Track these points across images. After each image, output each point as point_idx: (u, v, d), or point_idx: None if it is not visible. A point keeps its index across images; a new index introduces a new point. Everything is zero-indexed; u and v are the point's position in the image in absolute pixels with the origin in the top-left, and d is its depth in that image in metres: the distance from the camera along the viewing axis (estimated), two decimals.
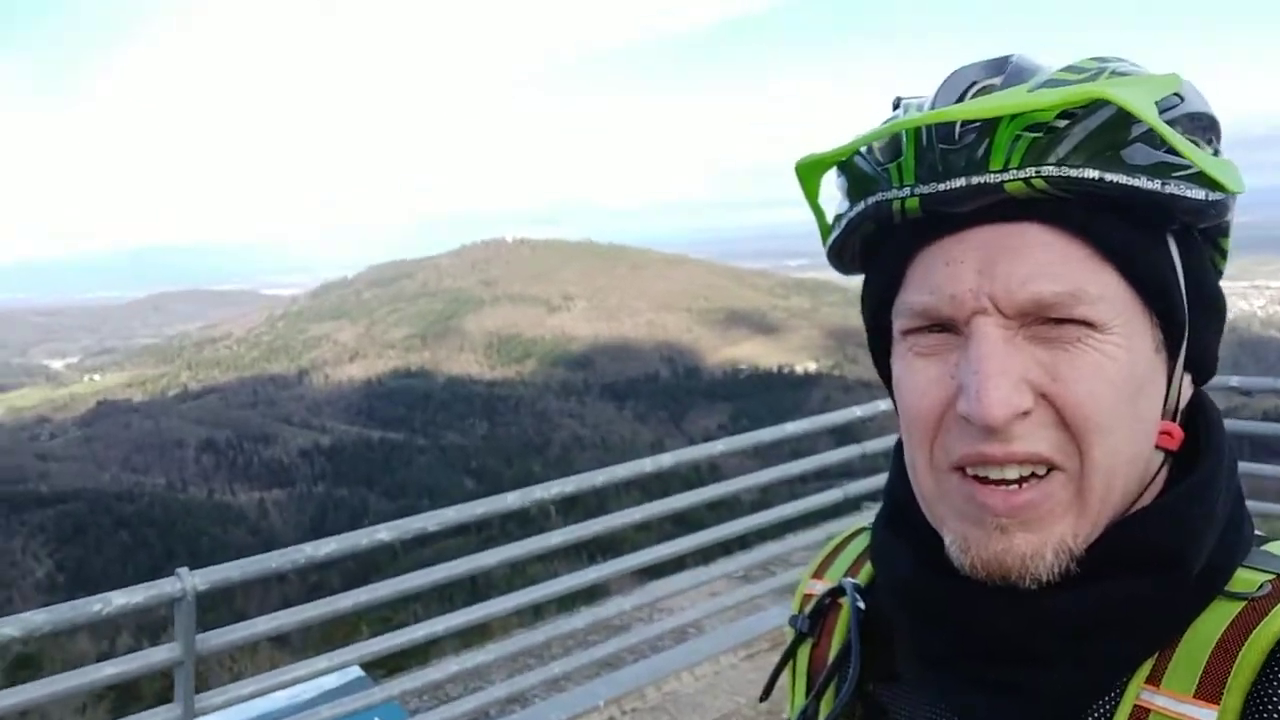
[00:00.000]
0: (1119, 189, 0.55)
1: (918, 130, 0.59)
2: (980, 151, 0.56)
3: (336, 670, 2.19)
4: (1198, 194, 0.57)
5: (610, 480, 2.26)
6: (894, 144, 0.60)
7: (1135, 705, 0.57)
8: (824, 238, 0.68)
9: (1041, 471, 0.58)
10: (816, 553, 0.88)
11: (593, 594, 3.33)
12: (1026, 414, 0.57)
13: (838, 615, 0.77)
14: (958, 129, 0.57)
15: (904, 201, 0.59)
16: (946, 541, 0.61)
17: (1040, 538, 0.58)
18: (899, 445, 0.68)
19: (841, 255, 0.68)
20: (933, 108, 0.60)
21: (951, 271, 0.58)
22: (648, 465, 2.29)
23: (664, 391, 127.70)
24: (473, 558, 2.17)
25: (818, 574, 0.83)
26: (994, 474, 0.58)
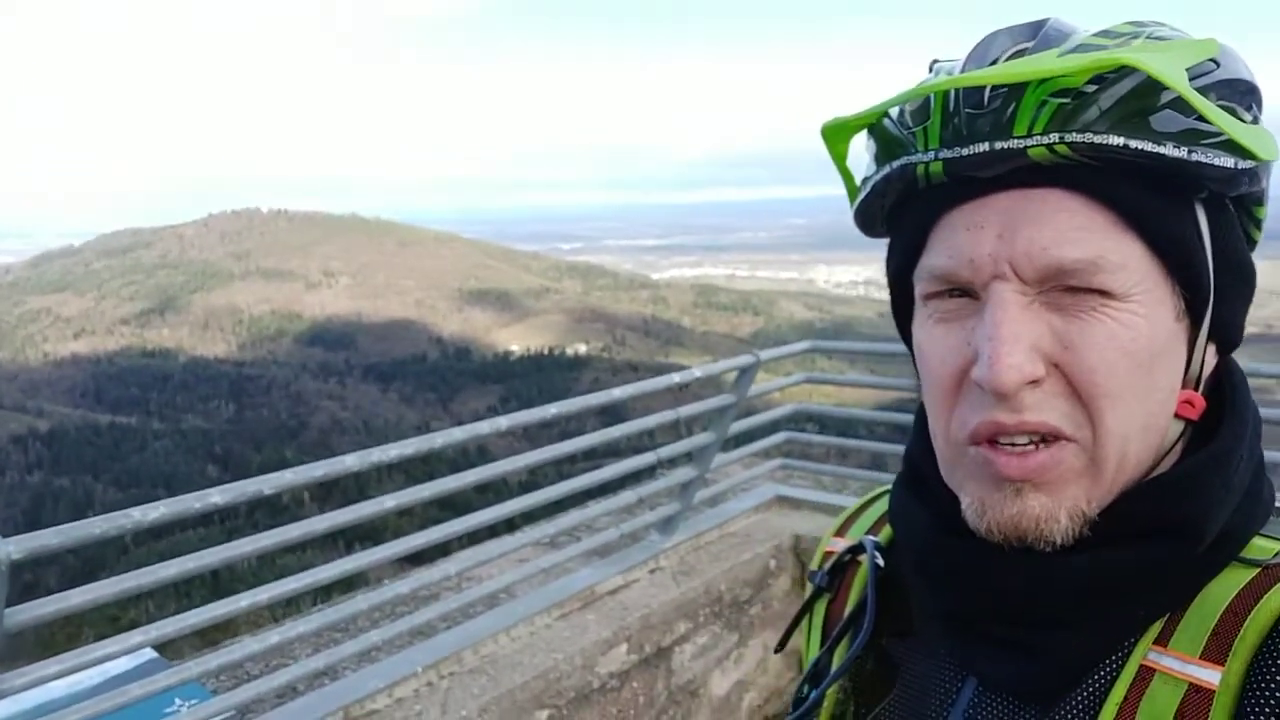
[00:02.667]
0: (1144, 156, 0.55)
1: (945, 94, 0.58)
2: (1006, 116, 0.56)
3: (127, 654, 1.99)
4: (1226, 161, 0.56)
5: (448, 443, 2.19)
6: (923, 107, 0.60)
7: (1141, 665, 0.58)
8: (851, 200, 0.68)
9: (1052, 438, 0.59)
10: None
11: (366, 580, 3.23)
12: (1038, 383, 0.57)
13: (856, 572, 0.79)
14: (986, 93, 0.56)
15: (928, 165, 0.59)
16: (964, 504, 0.62)
17: (1054, 501, 0.59)
18: (920, 409, 0.69)
19: (867, 218, 0.67)
20: (963, 71, 0.59)
21: (972, 236, 0.58)
22: (484, 427, 2.25)
23: (432, 373, 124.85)
24: (281, 529, 2.04)
25: (839, 532, 0.85)
26: (1005, 440, 0.59)
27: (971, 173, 0.58)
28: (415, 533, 2.39)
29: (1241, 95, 0.58)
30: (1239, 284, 0.62)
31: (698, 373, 3.04)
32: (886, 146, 0.62)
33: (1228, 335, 0.64)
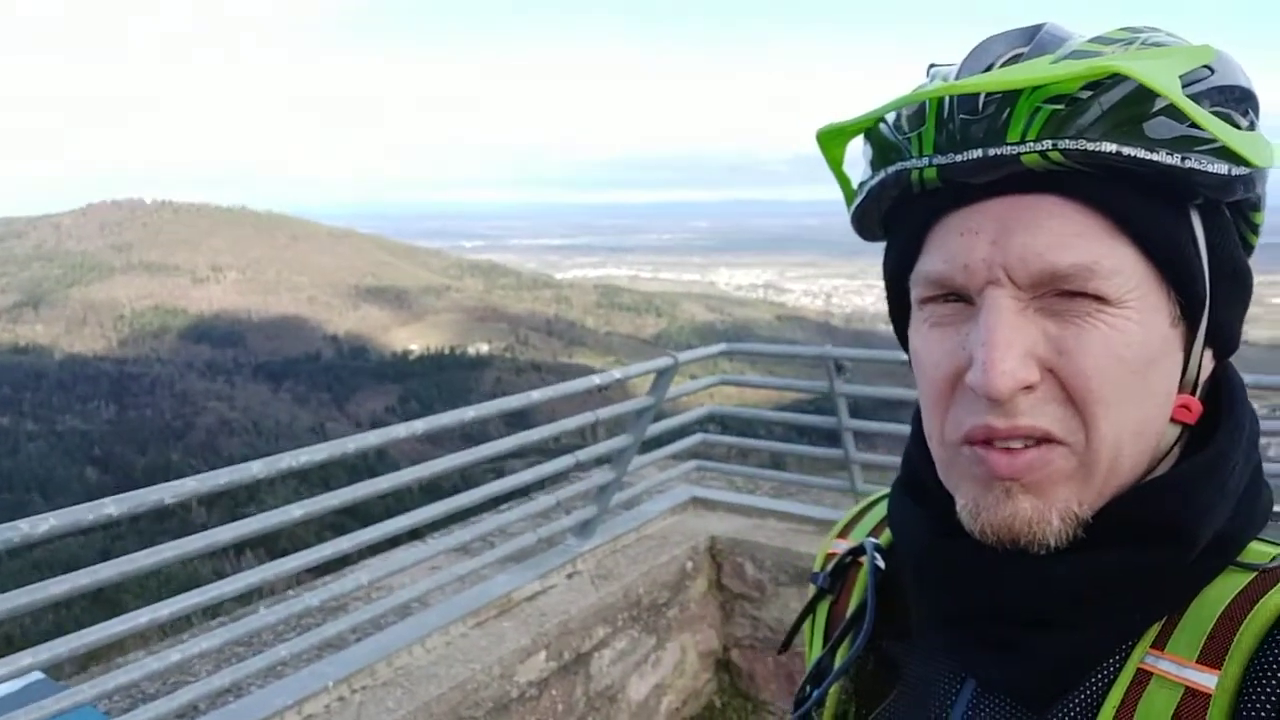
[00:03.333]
0: (1137, 163, 0.55)
1: (940, 100, 0.59)
2: (999, 123, 0.56)
3: (13, 677, 1.84)
4: (1220, 168, 0.56)
5: (363, 447, 2.10)
6: (919, 113, 0.60)
7: (1139, 668, 0.58)
8: (848, 205, 0.68)
9: (1045, 441, 0.59)
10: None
11: (264, 593, 3.09)
12: (1032, 388, 0.57)
13: (857, 573, 0.79)
14: (981, 100, 0.57)
15: (922, 171, 0.59)
16: (958, 506, 0.62)
17: (1045, 503, 0.59)
18: (917, 411, 0.69)
19: (863, 223, 0.67)
20: (958, 77, 0.60)
21: (966, 241, 0.59)
22: (400, 431, 2.17)
23: (326, 372, 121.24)
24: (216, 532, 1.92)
25: (842, 534, 0.85)
26: (998, 441, 0.59)
27: (965, 179, 0.58)
28: (323, 543, 2.30)
29: (1237, 101, 0.58)
30: (1235, 290, 0.63)
31: (618, 375, 3.02)
32: (882, 152, 0.62)
33: (1225, 341, 0.64)
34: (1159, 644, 0.59)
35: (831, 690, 0.75)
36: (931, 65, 0.66)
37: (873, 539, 0.79)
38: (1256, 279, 0.65)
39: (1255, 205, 0.62)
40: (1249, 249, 0.64)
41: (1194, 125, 0.55)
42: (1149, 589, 0.60)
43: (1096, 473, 0.59)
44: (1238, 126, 0.57)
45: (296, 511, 2.01)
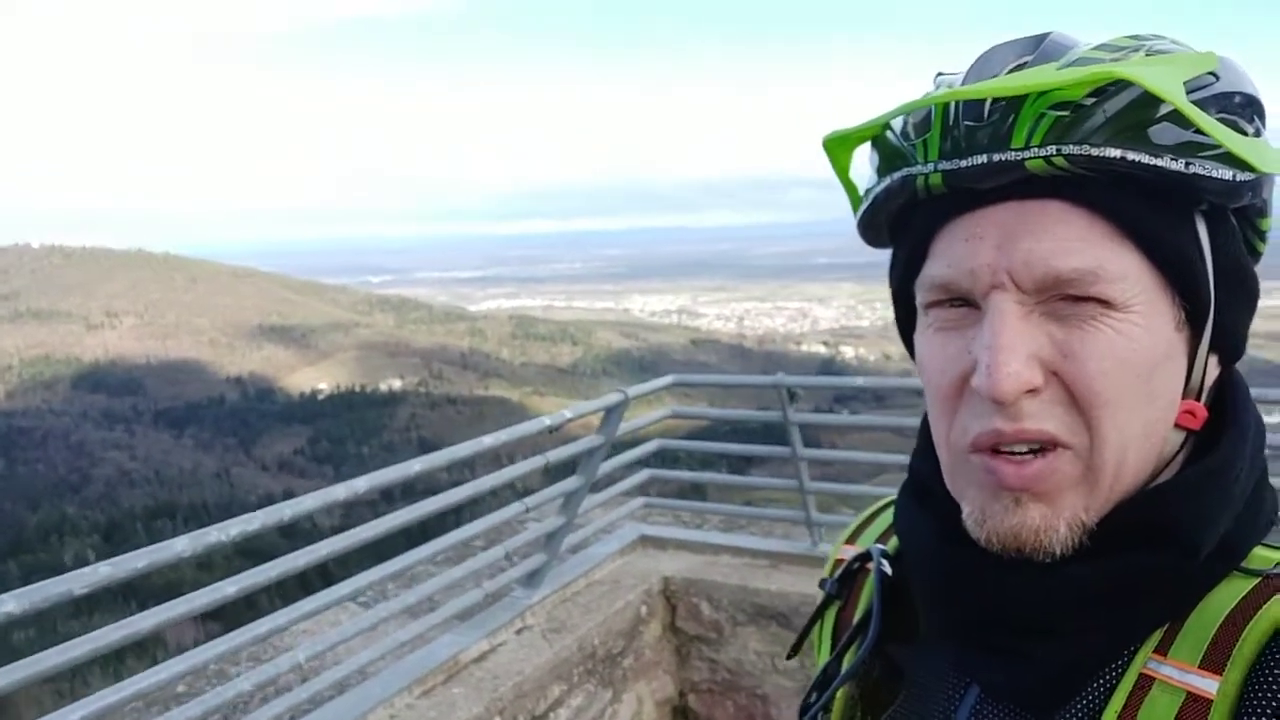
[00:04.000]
0: (1141, 168, 0.55)
1: (945, 106, 0.59)
2: (1004, 129, 0.56)
3: None
4: (1224, 174, 0.56)
5: (299, 513, 1.86)
6: (925, 119, 0.60)
7: (1141, 673, 0.58)
8: (854, 211, 0.68)
9: (1050, 447, 0.58)
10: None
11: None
12: (1037, 391, 0.57)
13: (865, 580, 0.79)
14: (986, 106, 0.57)
15: (928, 177, 0.60)
16: (964, 513, 0.62)
17: (1053, 511, 0.59)
18: (924, 418, 0.69)
19: (870, 229, 0.68)
20: (964, 84, 0.60)
21: (971, 247, 0.59)
22: (340, 492, 1.94)
23: (231, 416, 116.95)
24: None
25: (850, 540, 0.85)
26: (1005, 448, 0.59)
27: (970, 184, 0.58)
28: (259, 618, 2.04)
29: (1242, 108, 0.58)
30: (1241, 295, 0.63)
31: (569, 414, 2.84)
32: (888, 158, 0.63)
33: (1230, 346, 0.64)
34: (1162, 649, 0.59)
35: (838, 695, 0.75)
36: (939, 73, 0.66)
37: (880, 545, 0.79)
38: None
39: (1261, 211, 0.62)
40: (1256, 255, 0.64)
41: (1198, 131, 0.55)
42: (1153, 595, 0.60)
43: (1102, 478, 0.59)
44: (1243, 132, 0.58)
45: (230, 589, 1.77)
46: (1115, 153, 0.55)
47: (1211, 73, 0.58)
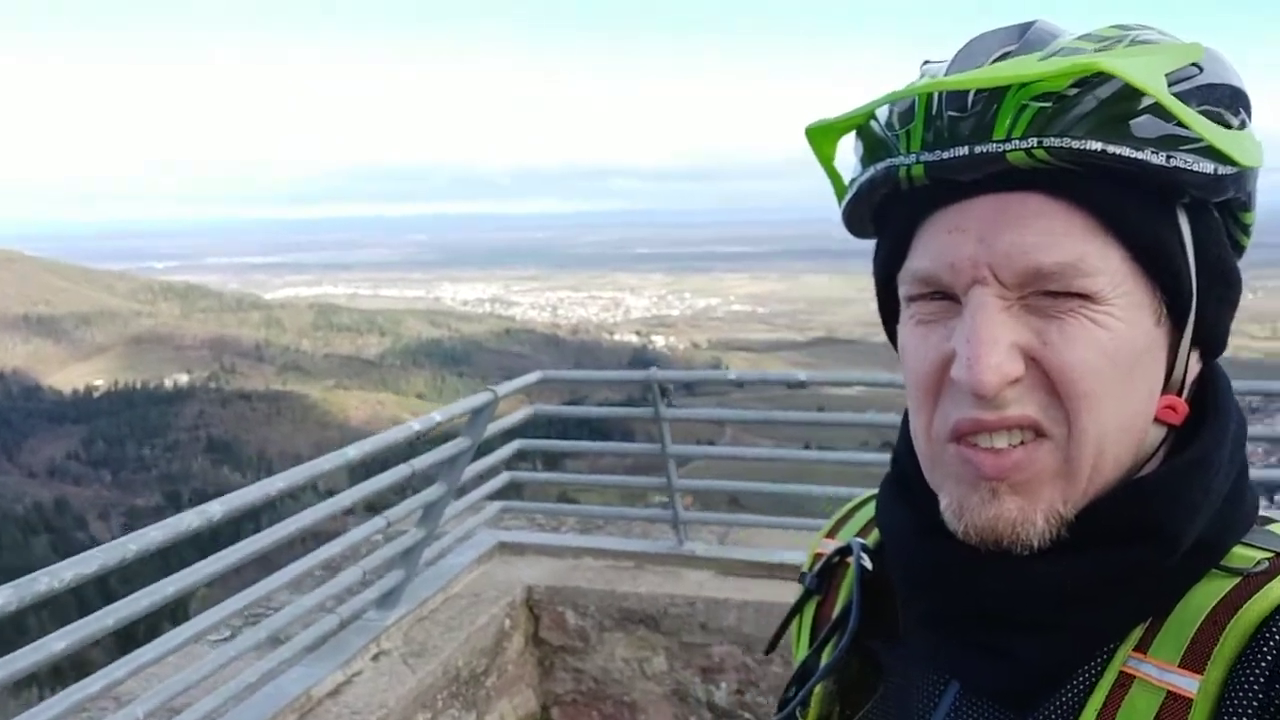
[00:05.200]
0: (1123, 161, 0.55)
1: (929, 96, 0.58)
2: (986, 120, 0.56)
3: None
4: (1206, 167, 0.56)
5: (145, 547, 1.51)
6: (909, 109, 0.59)
7: (1121, 671, 0.58)
8: (839, 201, 0.67)
9: (1030, 438, 0.59)
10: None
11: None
12: (1017, 380, 0.57)
13: (844, 574, 0.78)
14: (969, 97, 0.57)
15: (910, 168, 0.59)
16: (942, 506, 0.62)
17: (1030, 503, 0.59)
18: (905, 412, 0.68)
19: (854, 219, 0.67)
20: (948, 74, 0.59)
21: (953, 240, 0.59)
22: (192, 519, 1.60)
23: None
24: None
25: (830, 534, 0.84)
26: (984, 442, 0.59)
27: (952, 176, 0.58)
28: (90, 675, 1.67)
29: (1226, 100, 0.58)
30: (1222, 290, 0.62)
31: (438, 417, 2.57)
32: (871, 148, 0.62)
33: (1212, 341, 0.64)
34: (1142, 647, 0.59)
35: (816, 691, 0.74)
36: (925, 61, 0.65)
37: (860, 539, 0.78)
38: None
39: (1245, 205, 0.62)
40: (1239, 249, 0.63)
41: (1180, 124, 0.55)
42: (1131, 591, 0.60)
43: (1080, 471, 0.59)
44: (1228, 125, 0.57)
45: (59, 645, 1.42)
46: (1096, 145, 0.54)
47: (1195, 64, 0.57)
